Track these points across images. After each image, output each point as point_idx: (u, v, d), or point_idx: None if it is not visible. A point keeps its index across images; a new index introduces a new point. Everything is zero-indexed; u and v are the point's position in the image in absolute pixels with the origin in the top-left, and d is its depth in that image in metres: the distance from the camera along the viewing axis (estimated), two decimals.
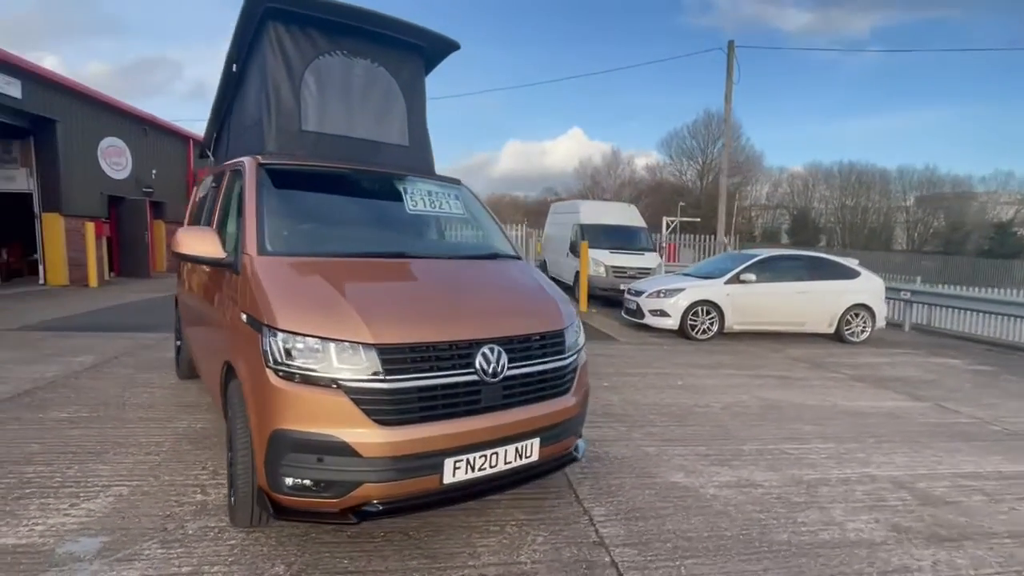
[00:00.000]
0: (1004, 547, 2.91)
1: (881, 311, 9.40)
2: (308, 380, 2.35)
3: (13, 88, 11.16)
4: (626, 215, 14.95)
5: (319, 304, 2.51)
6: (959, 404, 5.71)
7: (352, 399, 2.32)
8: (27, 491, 3.09)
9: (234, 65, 4.31)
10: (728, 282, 8.96)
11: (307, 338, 2.37)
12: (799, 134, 78.65)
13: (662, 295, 9.05)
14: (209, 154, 5.50)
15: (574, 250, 13.29)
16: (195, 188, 5.51)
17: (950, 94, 69.44)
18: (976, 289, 13.19)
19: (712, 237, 19.97)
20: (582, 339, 3.28)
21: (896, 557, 2.76)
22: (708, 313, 8.86)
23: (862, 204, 54.07)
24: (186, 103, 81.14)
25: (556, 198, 40.55)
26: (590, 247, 12.86)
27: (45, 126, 12.35)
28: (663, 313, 8.96)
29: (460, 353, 2.53)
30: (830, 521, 3.10)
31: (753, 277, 8.89)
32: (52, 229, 12.59)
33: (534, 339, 2.83)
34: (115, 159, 14.53)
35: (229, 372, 2.84)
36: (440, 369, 2.48)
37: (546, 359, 2.84)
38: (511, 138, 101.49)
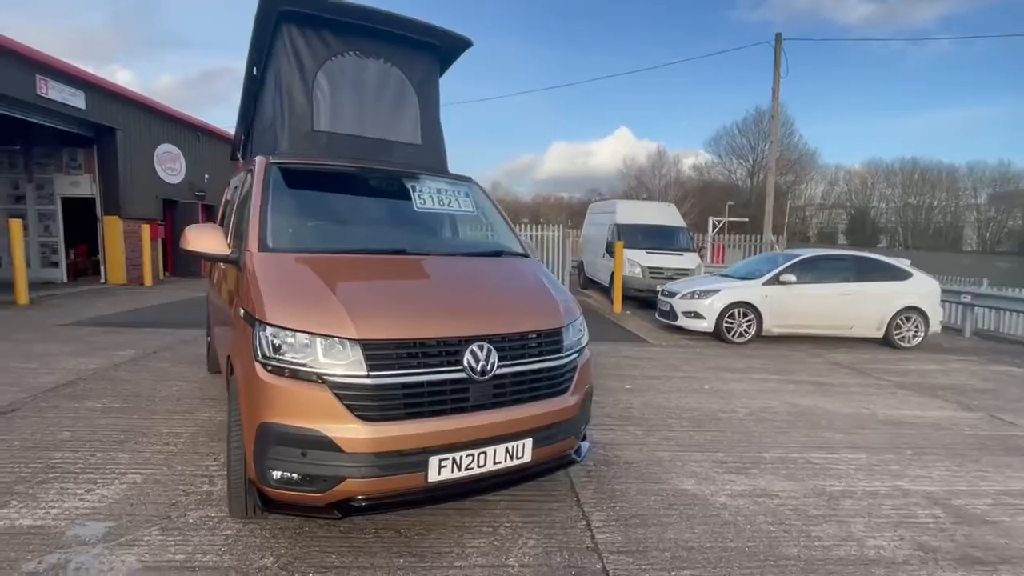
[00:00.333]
0: None
1: (936, 315, 8.80)
2: (294, 375, 2.36)
3: (78, 99, 11.92)
4: (665, 215, 14.60)
5: (308, 300, 2.53)
6: (1017, 416, 5.26)
7: (335, 394, 2.33)
8: (51, 476, 3.25)
9: (254, 69, 4.44)
10: (767, 283, 8.60)
11: (294, 333, 2.39)
12: (857, 130, 75.17)
13: (696, 296, 8.77)
14: (238, 156, 5.69)
15: (610, 250, 13.08)
16: (226, 189, 5.72)
17: None
18: None
19: (760, 237, 19.27)
20: (585, 338, 3.18)
21: None
22: (745, 315, 8.52)
23: (926, 203, 51.11)
24: None
25: (599, 199, 40.22)
26: (627, 247, 12.65)
27: (107, 134, 13.14)
28: (697, 315, 8.68)
29: (448, 350, 2.50)
30: (848, 536, 2.89)
31: (793, 278, 8.49)
32: (112, 231, 13.37)
33: (529, 337, 2.77)
34: (170, 164, 15.32)
35: (230, 366, 2.91)
36: (426, 366, 2.46)
37: (541, 358, 2.77)
38: (556, 139, 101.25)
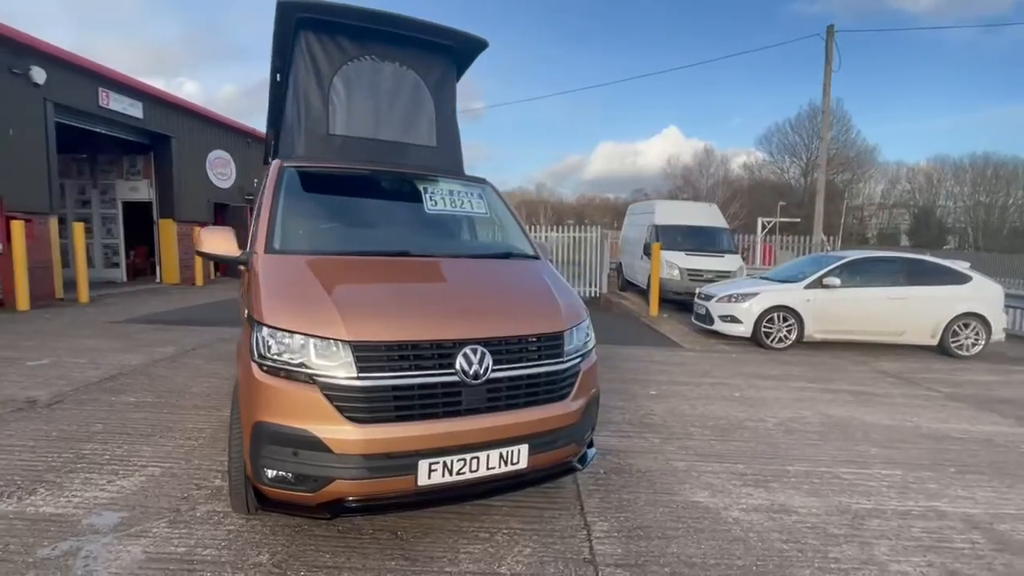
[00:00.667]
0: None
1: (999, 321, 8.17)
2: (288, 375, 2.39)
3: (136, 109, 12.64)
4: (706, 215, 14.18)
5: (304, 301, 2.56)
6: None
7: (325, 395, 2.34)
8: (78, 466, 3.43)
9: (277, 75, 4.56)
10: (809, 286, 8.20)
11: (288, 334, 2.42)
12: (921, 125, 71.04)
13: (733, 299, 8.46)
14: (268, 159, 5.86)
15: (648, 252, 12.82)
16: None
17: None
18: None
19: (810, 238, 18.44)
20: (591, 342, 3.11)
21: None
22: (785, 320, 8.16)
23: (1000, 201, 47.71)
24: None
25: (645, 199, 39.51)
26: (666, 249, 12.37)
27: (162, 142, 13.88)
28: (734, 319, 8.37)
29: (440, 353, 2.48)
30: (869, 559, 2.69)
31: (837, 281, 8.07)
32: (166, 234, 14.10)
33: (528, 341, 2.71)
34: (221, 169, 16.03)
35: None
36: (418, 368, 2.44)
37: (539, 362, 2.71)
38: (604, 140, 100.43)
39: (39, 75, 10.01)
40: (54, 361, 5.95)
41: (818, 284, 8.15)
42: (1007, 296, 8.73)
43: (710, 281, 11.10)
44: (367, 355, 2.37)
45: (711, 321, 8.71)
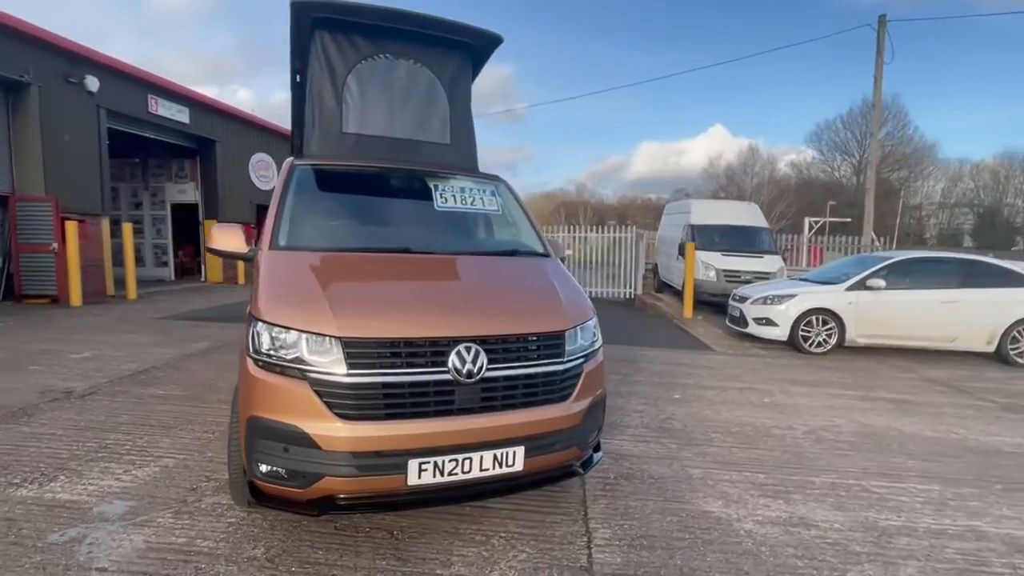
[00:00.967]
0: None
1: None
2: (280, 371, 2.39)
3: (183, 115, 13.19)
4: (745, 214, 13.71)
5: (299, 297, 2.56)
6: None
7: (315, 391, 2.32)
8: (99, 455, 3.55)
9: (297, 76, 4.63)
10: (851, 288, 7.79)
11: (283, 329, 2.42)
12: (986, 119, 66.85)
13: (769, 301, 8.12)
14: None
15: (683, 252, 12.49)
16: None
17: None
18: None
19: (859, 238, 17.58)
20: (597, 343, 3.00)
21: None
22: (824, 323, 7.77)
23: None
24: None
25: (686, 198, 38.60)
26: (702, 249, 12.05)
27: (208, 146, 14.44)
28: (769, 322, 8.03)
29: (433, 350, 2.43)
30: None
31: (882, 283, 7.62)
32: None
33: (527, 340, 2.63)
34: (263, 172, 16.55)
35: None
36: (410, 366, 2.40)
37: (537, 362, 2.63)
38: (647, 139, 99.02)
39: (93, 83, 10.56)
40: (95, 354, 6.23)
41: (861, 286, 7.73)
42: None
43: (748, 283, 10.72)
44: (357, 352, 2.35)
45: (745, 324, 8.39)
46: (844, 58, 68.79)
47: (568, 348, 2.74)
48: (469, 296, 2.83)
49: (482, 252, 3.45)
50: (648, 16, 78.82)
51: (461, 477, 2.44)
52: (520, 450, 2.53)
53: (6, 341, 6.88)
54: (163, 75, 12.30)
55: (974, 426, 4.80)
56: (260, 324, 2.46)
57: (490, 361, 2.49)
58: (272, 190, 3.41)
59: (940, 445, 4.28)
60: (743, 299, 8.61)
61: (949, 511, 3.20)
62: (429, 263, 3.10)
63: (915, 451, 4.12)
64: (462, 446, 2.44)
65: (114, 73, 11.15)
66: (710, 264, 11.88)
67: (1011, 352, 7.53)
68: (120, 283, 11.36)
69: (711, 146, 75.34)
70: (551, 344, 2.68)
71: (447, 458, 2.40)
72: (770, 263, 12.00)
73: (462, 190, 3.70)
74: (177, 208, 15.32)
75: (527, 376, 2.59)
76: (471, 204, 3.69)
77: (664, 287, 15.53)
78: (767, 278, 11.17)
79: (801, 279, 9.19)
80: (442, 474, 2.41)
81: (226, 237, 3.21)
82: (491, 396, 2.52)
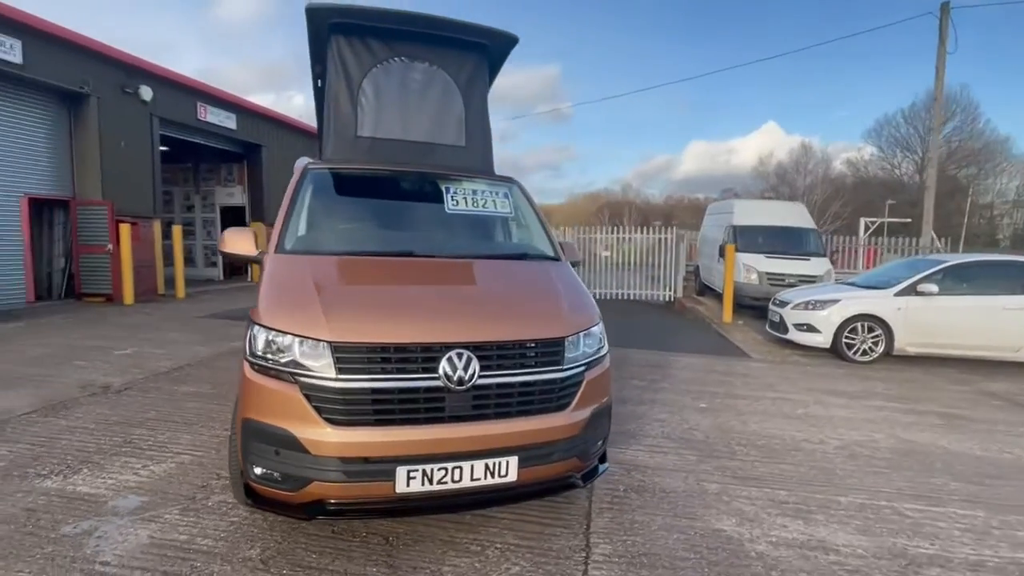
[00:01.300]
0: None
1: None
2: (274, 374, 2.41)
3: (231, 121, 13.74)
4: (790, 214, 13.12)
5: (295, 301, 2.57)
6: None
7: (305, 395, 2.32)
8: (123, 449, 3.69)
9: (319, 81, 4.70)
10: (900, 293, 7.31)
11: (278, 333, 2.43)
12: None
13: (811, 307, 7.73)
14: None
15: (724, 254, 12.08)
16: None
17: None
18: None
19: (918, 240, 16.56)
20: (604, 350, 2.89)
21: None
22: (871, 330, 7.33)
23: None
24: None
25: (731, 198, 37.36)
26: (744, 251, 11.64)
27: (254, 150, 15.00)
28: (811, 328, 7.64)
29: (424, 356, 2.39)
30: None
31: (935, 288, 7.12)
32: (258, 235, 15.19)
33: (524, 346, 2.56)
34: None
35: None
36: (400, 372, 2.37)
37: (534, 370, 2.55)
38: (695, 138, 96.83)
39: (147, 93, 11.14)
40: (136, 351, 6.53)
41: (911, 291, 7.24)
42: None
43: (792, 287, 10.27)
44: (347, 356, 2.33)
45: (785, 330, 8.01)
46: (906, 50, 65.13)
47: (568, 355, 2.65)
48: (466, 301, 2.78)
49: (488, 256, 3.40)
50: (699, 11, 76.96)
51: (451, 486, 2.39)
52: (513, 460, 2.46)
53: (61, 337, 7.31)
54: (222, 85, 12.88)
55: None
56: (256, 327, 2.48)
57: (483, 368, 2.43)
58: None
59: (990, 466, 3.94)
60: (783, 304, 8.22)
61: (991, 541, 2.92)
62: (431, 267, 3.06)
63: (960, 472, 3.81)
64: (453, 455, 2.39)
65: (166, 83, 11.73)
66: (752, 267, 11.43)
67: None
68: (170, 282, 11.91)
69: (763, 144, 73.04)
70: (548, 351, 2.60)
71: (436, 466, 2.36)
72: (817, 266, 11.44)
73: (474, 193, 3.66)
74: (226, 210, 15.97)
75: (523, 384, 2.52)
76: (483, 207, 3.64)
77: (706, 290, 15.06)
78: (813, 282, 10.66)
79: (847, 283, 8.71)
80: (431, 482, 2.36)
81: (237, 241, 3.27)
82: (484, 404, 2.46)
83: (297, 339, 2.39)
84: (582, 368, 2.70)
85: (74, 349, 6.58)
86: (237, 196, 15.60)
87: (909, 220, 30.06)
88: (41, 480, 3.22)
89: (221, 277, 16.04)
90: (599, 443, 2.86)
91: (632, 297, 14.47)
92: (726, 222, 13.24)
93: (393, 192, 3.70)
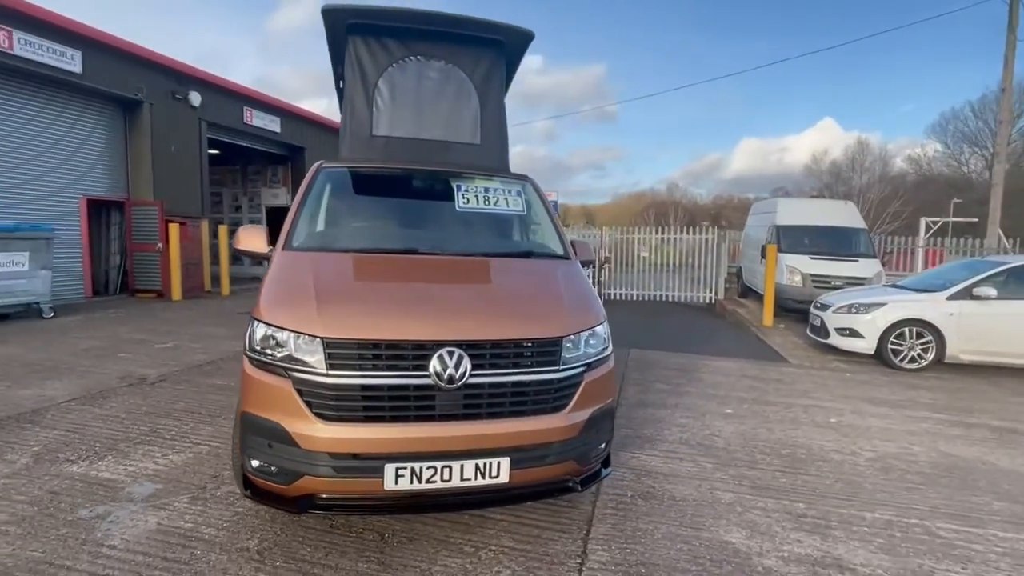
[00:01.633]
0: None
1: None
2: (268, 368, 2.44)
3: (275, 125, 14.22)
4: (838, 214, 12.50)
5: (293, 297, 2.60)
6: None
7: (297, 390, 2.34)
8: (147, 438, 3.84)
9: (340, 82, 4.77)
10: (953, 297, 6.84)
11: (274, 328, 2.47)
12: None
13: (854, 310, 7.33)
14: None
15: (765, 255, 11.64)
16: None
17: None
18: None
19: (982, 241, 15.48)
20: (607, 351, 2.81)
21: None
22: (920, 336, 6.88)
23: None
24: None
25: (782, 197, 35.86)
26: (788, 251, 11.20)
27: (297, 152, 15.48)
28: (853, 333, 7.24)
29: (415, 354, 2.37)
30: None
31: (993, 292, 6.62)
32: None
33: (519, 345, 2.51)
34: None
35: None
36: (391, 369, 2.36)
37: (529, 369, 2.49)
38: (747, 135, 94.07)
39: (195, 98, 11.66)
40: (176, 345, 6.83)
41: (966, 294, 6.76)
42: None
43: (839, 289, 9.78)
44: (338, 352, 2.34)
45: (826, 334, 7.62)
46: (976, 38, 61.17)
47: (565, 356, 2.58)
48: (464, 299, 2.75)
49: (493, 254, 3.34)
50: (750, 4, 74.59)
51: (441, 486, 2.36)
52: (505, 461, 2.41)
53: (110, 330, 7.72)
54: (276, 92, 13.38)
55: None
56: (255, 323, 2.53)
57: (475, 367, 2.39)
58: None
59: None
60: (825, 307, 7.83)
61: None
62: (432, 265, 3.05)
63: (1006, 491, 3.51)
64: (443, 454, 2.36)
65: (214, 88, 12.24)
66: (795, 268, 10.96)
67: None
68: (217, 280, 12.42)
69: (818, 141, 70.05)
70: (544, 351, 2.54)
71: (425, 465, 2.33)
72: (865, 268, 10.86)
73: (485, 191, 3.63)
74: (271, 211, 16.53)
75: (516, 384, 2.46)
76: (494, 205, 3.60)
77: (748, 292, 14.55)
78: (861, 284, 10.12)
79: (895, 286, 8.23)
80: (420, 481, 2.34)
81: (250, 238, 3.35)
82: (475, 403, 2.42)
83: (292, 335, 2.41)
84: (581, 369, 2.63)
85: (120, 342, 6.93)
86: (282, 197, 16.13)
87: (976, 220, 28.13)
88: (69, 465, 3.39)
89: None
90: (600, 446, 2.77)
91: (671, 299, 14.15)
92: (769, 222, 12.76)
93: (403, 190, 3.71)
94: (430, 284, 2.86)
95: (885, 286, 8.68)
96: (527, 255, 3.38)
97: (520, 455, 2.44)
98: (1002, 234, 15.47)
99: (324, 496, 2.39)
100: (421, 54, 4.00)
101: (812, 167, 49.88)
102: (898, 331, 6.95)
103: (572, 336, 2.63)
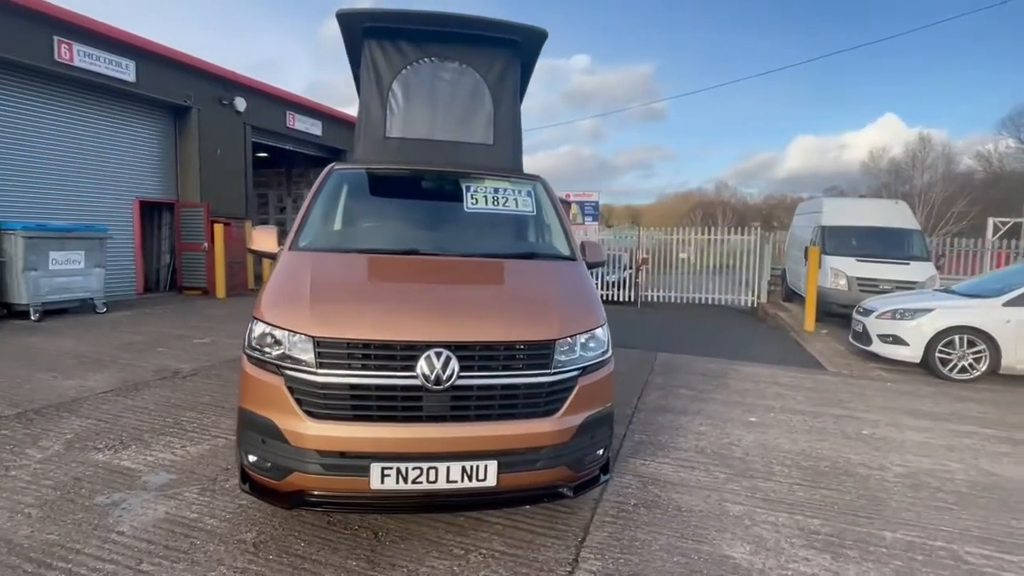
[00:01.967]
0: None
1: None
2: (263, 366, 2.50)
3: (316, 128, 14.65)
4: (888, 214, 11.84)
5: (291, 297, 2.66)
6: None
7: (288, 387, 2.39)
8: (170, 430, 4.01)
9: (359, 85, 4.85)
10: (1011, 303, 6.36)
11: (271, 327, 2.53)
12: None
13: (898, 316, 6.92)
14: None
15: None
16: None
17: None
18: None
19: None
20: (606, 355, 2.75)
21: None
22: (971, 345, 6.43)
23: None
24: None
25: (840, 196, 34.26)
26: (833, 253, 10.74)
27: (338, 154, 15.86)
28: (897, 340, 6.84)
29: (404, 354, 2.38)
30: None
31: None
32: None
33: (512, 347, 2.48)
34: None
35: None
36: (380, 369, 2.37)
37: (519, 372, 2.47)
38: (801, 133, 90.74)
39: (241, 104, 12.14)
40: (213, 340, 7.11)
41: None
42: None
43: (887, 293, 9.27)
44: (328, 351, 2.37)
45: (869, 341, 7.23)
46: None
47: (559, 359, 2.53)
48: (458, 300, 2.74)
49: (496, 255, 3.32)
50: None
51: (426, 486, 2.36)
52: (492, 464, 2.39)
53: (155, 326, 8.12)
54: (326, 98, 13.81)
55: None
56: (255, 321, 2.60)
57: (464, 368, 2.38)
58: None
59: None
60: (868, 312, 7.44)
61: None
62: (432, 266, 3.05)
63: None
64: (430, 455, 2.36)
65: (258, 94, 12.72)
66: (841, 271, 10.46)
67: None
68: (259, 278, 12.88)
69: (879, 138, 66.75)
70: (536, 354, 2.50)
71: (411, 465, 2.34)
72: (917, 271, 10.25)
73: (495, 191, 3.61)
74: None
75: (505, 387, 2.44)
76: (503, 205, 3.58)
77: (793, 296, 13.99)
78: (912, 288, 9.56)
79: (946, 291, 7.72)
80: (406, 481, 2.34)
81: (262, 238, 3.44)
82: (463, 405, 2.41)
83: (287, 333, 2.46)
84: (575, 372, 2.58)
85: (162, 336, 7.28)
86: None
87: None
88: (95, 453, 3.57)
89: None
90: (597, 452, 2.71)
91: (711, 301, 13.77)
92: (815, 222, 12.23)
93: (411, 191, 3.74)
94: (426, 285, 2.86)
95: (935, 291, 8.16)
96: (530, 256, 3.34)
97: (508, 459, 2.41)
98: None
99: (314, 493, 2.43)
100: (435, 55, 4.03)
101: (870, 165, 47.57)
102: (947, 339, 6.52)
103: (567, 339, 2.58)
